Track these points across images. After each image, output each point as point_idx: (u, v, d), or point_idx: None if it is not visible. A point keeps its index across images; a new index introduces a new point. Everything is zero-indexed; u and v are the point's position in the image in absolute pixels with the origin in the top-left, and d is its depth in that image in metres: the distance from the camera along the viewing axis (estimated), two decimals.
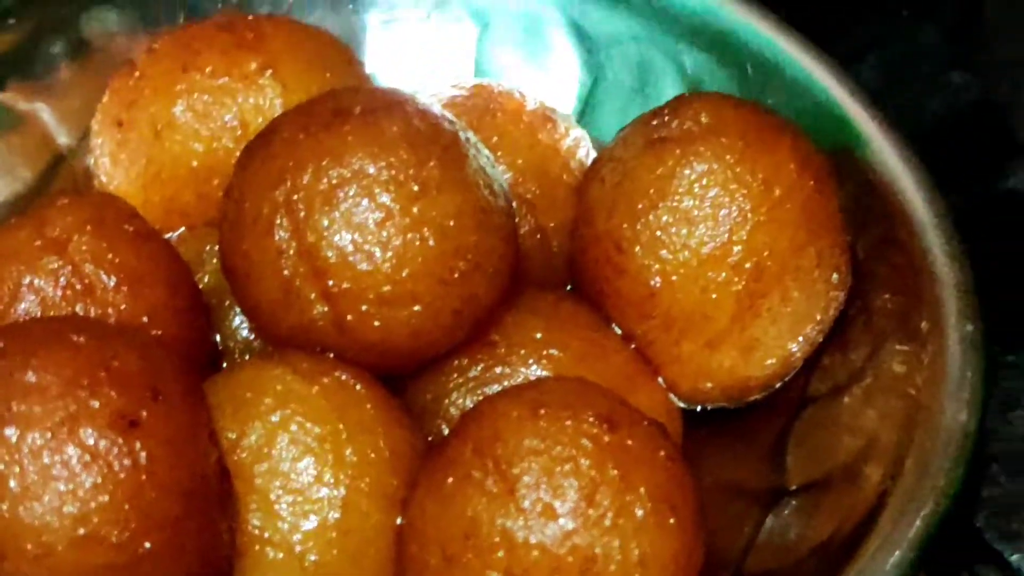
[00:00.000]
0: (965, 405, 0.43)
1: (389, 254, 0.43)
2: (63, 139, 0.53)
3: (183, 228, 0.49)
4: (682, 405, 0.49)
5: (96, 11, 0.53)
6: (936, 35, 0.62)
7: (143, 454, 0.37)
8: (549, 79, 0.55)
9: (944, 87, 0.60)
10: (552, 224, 0.50)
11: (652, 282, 0.47)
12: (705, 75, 0.53)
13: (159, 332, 0.44)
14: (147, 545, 0.37)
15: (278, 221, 0.43)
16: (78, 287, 0.44)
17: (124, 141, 0.49)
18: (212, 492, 0.40)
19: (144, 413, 0.38)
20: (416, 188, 0.43)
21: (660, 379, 0.48)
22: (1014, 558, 0.48)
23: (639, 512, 0.40)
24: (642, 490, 0.40)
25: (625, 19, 0.54)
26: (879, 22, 0.61)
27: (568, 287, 0.51)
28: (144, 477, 0.37)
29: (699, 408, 0.49)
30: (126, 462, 0.37)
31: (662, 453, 0.41)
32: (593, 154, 0.52)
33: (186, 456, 0.39)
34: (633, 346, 0.48)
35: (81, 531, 0.36)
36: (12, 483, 0.36)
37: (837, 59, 0.52)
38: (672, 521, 0.40)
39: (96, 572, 0.37)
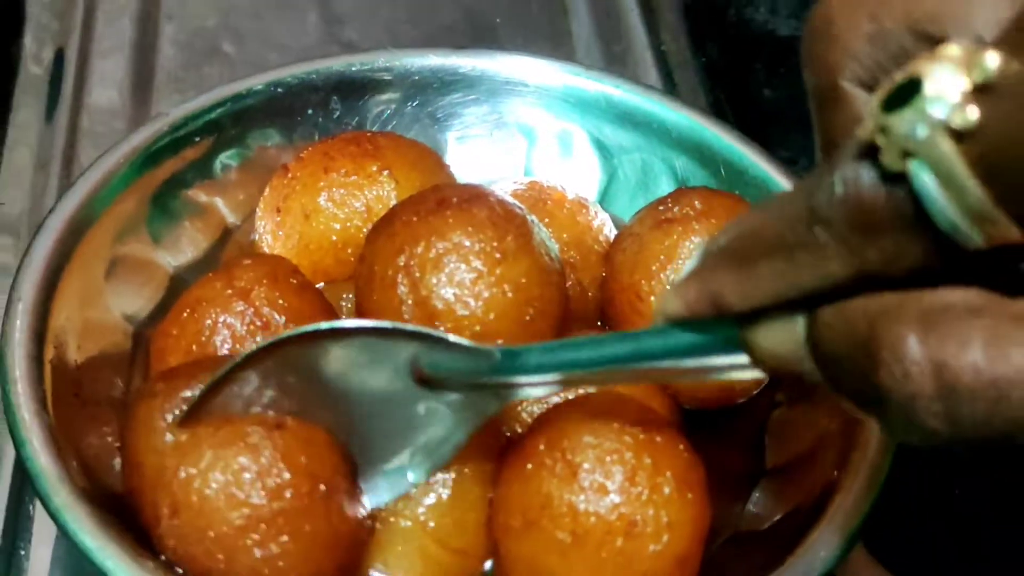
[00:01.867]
0: None
1: (480, 303, 0.43)
2: (231, 220, 0.52)
3: (323, 283, 0.49)
4: (687, 409, 0.48)
5: (258, 131, 0.52)
6: None
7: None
8: (578, 177, 0.54)
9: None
10: (587, 280, 0.50)
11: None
12: (690, 175, 0.53)
13: None
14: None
15: (400, 280, 0.43)
16: (258, 324, 0.43)
17: (282, 223, 0.49)
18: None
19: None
20: (499, 256, 0.43)
21: (669, 390, 0.47)
22: None
23: (666, 489, 0.40)
24: (668, 473, 0.40)
25: (632, 134, 0.54)
26: (808, 133, 0.61)
27: (599, 323, 0.50)
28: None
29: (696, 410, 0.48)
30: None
31: (681, 446, 0.41)
32: (614, 230, 0.52)
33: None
34: None
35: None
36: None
37: (782, 160, 0.52)
38: (690, 496, 0.40)
39: None
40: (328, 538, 0.38)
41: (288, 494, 0.38)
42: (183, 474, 0.37)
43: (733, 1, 0.69)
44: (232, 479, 0.37)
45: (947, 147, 0.23)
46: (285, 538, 0.37)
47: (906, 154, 0.24)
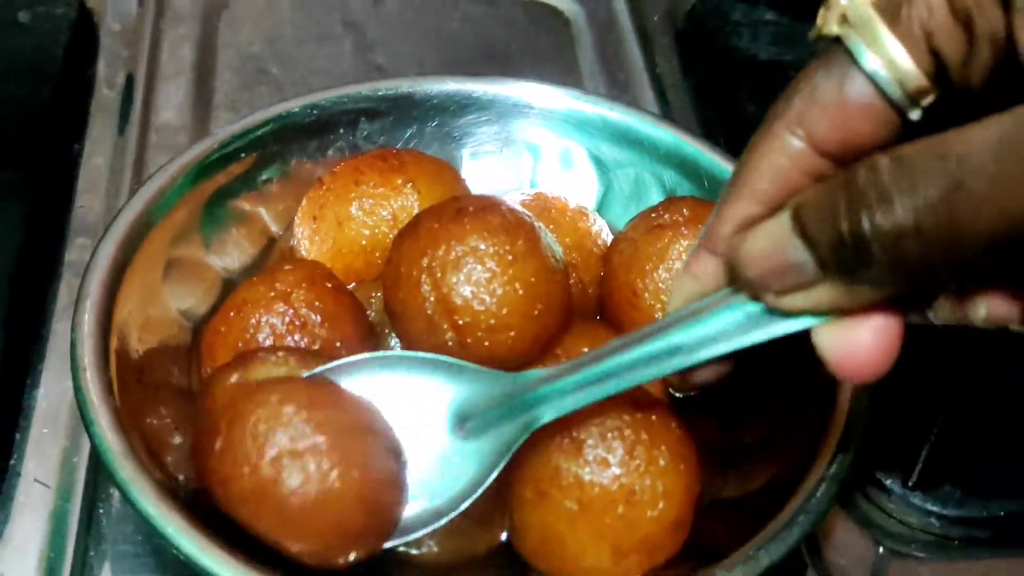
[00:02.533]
0: (862, 391, 0.42)
1: (494, 300, 0.42)
2: (274, 228, 0.52)
3: (355, 283, 0.48)
4: (675, 393, 0.47)
5: (296, 148, 0.52)
6: None
7: None
8: (579, 188, 0.54)
9: None
10: (588, 278, 0.49)
11: (656, 316, 0.46)
12: (678, 186, 0.52)
13: (348, 352, 0.43)
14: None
15: (423, 279, 0.42)
16: (297, 323, 0.43)
17: (318, 230, 0.49)
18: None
19: None
20: (510, 258, 0.42)
21: None
22: (888, 482, 0.47)
23: (662, 462, 0.39)
24: (663, 447, 0.40)
25: (626, 151, 0.54)
26: None
27: (598, 318, 0.49)
28: None
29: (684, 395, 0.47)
30: None
31: (673, 424, 0.41)
32: (610, 235, 0.51)
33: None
34: None
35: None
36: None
37: None
38: (682, 467, 0.40)
39: None
40: (360, 484, 0.36)
41: (323, 434, 0.36)
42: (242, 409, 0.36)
43: (719, 30, 0.69)
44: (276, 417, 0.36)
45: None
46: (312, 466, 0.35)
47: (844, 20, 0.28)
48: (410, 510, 0.38)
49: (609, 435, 0.39)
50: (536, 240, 0.44)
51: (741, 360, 0.46)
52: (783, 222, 0.29)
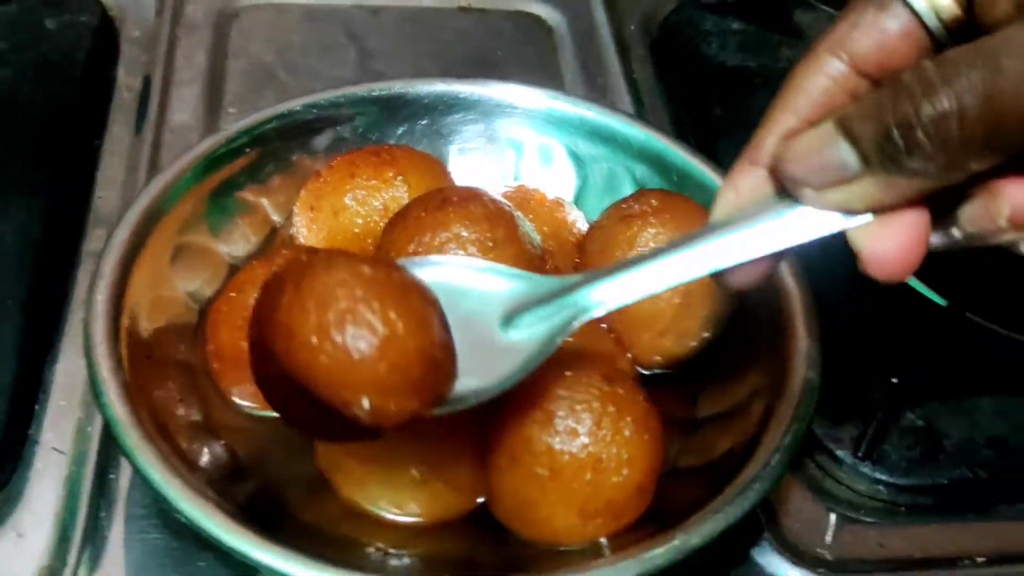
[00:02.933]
0: (812, 367, 0.42)
1: None
2: (276, 218, 0.51)
3: None
4: (641, 370, 0.47)
5: (296, 144, 0.52)
6: None
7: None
8: (557, 182, 0.54)
9: None
10: (563, 264, 0.49)
11: None
12: (648, 180, 0.52)
13: None
14: None
15: None
16: None
17: (315, 219, 0.49)
18: None
19: None
20: (490, 244, 0.43)
21: (628, 354, 0.47)
22: (839, 452, 0.47)
23: (627, 432, 0.39)
24: (628, 419, 0.39)
25: (600, 147, 0.53)
26: None
27: None
28: None
29: (650, 372, 0.48)
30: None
31: (639, 397, 0.41)
32: (584, 224, 0.51)
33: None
34: (613, 335, 0.47)
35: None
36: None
37: (727, 167, 0.51)
38: (646, 437, 0.40)
39: None
40: (422, 337, 0.34)
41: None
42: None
43: (691, 38, 0.69)
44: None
45: None
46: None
47: None
48: (459, 385, 0.36)
49: (578, 407, 0.39)
50: (515, 228, 0.44)
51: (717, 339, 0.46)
52: (828, 127, 0.30)
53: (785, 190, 0.32)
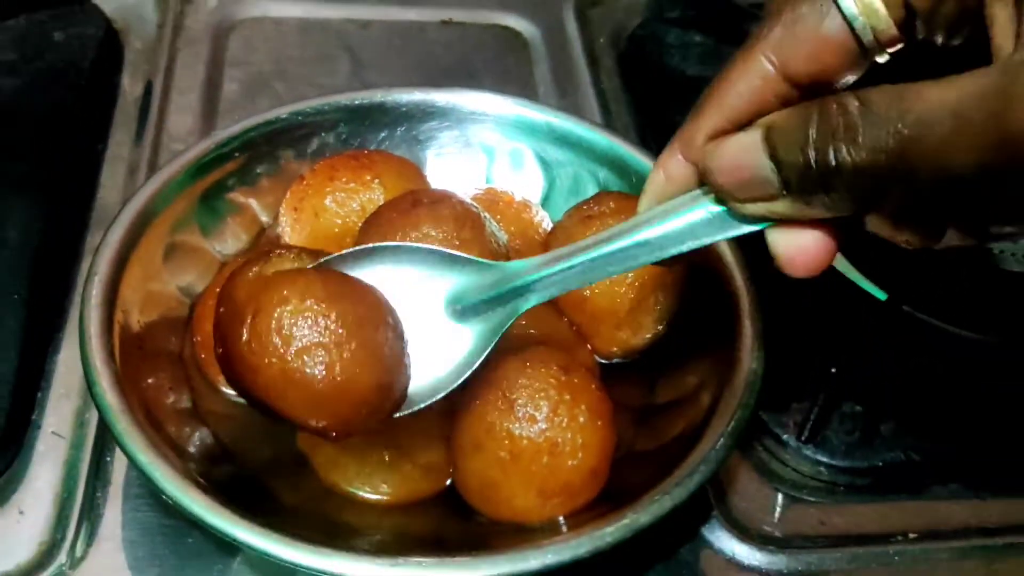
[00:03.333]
0: (755, 359, 0.42)
1: None
2: (264, 218, 0.51)
3: None
4: (600, 360, 0.47)
5: (283, 148, 0.52)
6: None
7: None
8: (526, 185, 0.53)
9: None
10: None
11: (586, 293, 0.45)
12: (611, 183, 0.51)
13: None
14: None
15: None
16: None
17: (298, 219, 0.48)
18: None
19: None
20: (457, 243, 0.42)
21: (588, 346, 0.46)
22: (784, 437, 0.46)
23: (581, 419, 0.39)
24: (583, 406, 0.39)
25: (566, 152, 0.53)
26: None
27: None
28: None
29: (609, 362, 0.47)
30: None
31: (593, 386, 0.40)
32: (549, 224, 0.51)
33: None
34: (574, 328, 0.46)
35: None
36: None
37: None
38: (599, 423, 0.40)
39: None
40: (376, 368, 0.35)
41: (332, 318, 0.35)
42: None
43: (655, 51, 0.68)
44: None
45: None
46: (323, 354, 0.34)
47: None
48: (413, 385, 0.37)
49: (537, 396, 0.39)
50: (481, 228, 0.43)
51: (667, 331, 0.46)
52: (755, 140, 0.29)
53: (706, 188, 0.32)
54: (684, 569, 0.43)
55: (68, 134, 0.57)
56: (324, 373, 0.34)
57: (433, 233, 0.42)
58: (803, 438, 0.46)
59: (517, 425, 0.38)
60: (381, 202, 0.47)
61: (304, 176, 0.49)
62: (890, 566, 0.44)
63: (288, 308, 0.34)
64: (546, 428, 0.38)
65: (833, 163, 0.26)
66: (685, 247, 0.32)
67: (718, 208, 0.31)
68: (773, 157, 0.28)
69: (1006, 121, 0.24)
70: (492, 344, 0.37)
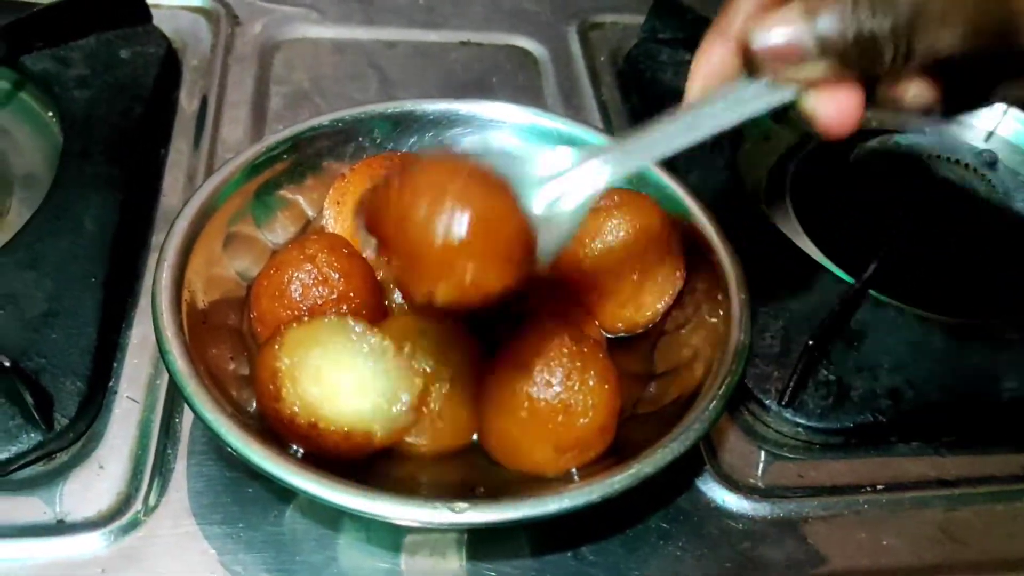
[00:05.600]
0: (743, 331, 0.42)
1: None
2: (310, 212, 0.51)
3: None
4: (606, 335, 0.47)
5: (326, 151, 0.52)
6: (724, 165, 0.60)
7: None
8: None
9: (725, 188, 0.59)
10: None
11: (594, 275, 0.46)
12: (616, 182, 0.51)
13: (359, 300, 0.43)
14: None
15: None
16: (320, 278, 0.43)
17: (340, 212, 0.49)
18: None
19: None
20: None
21: (596, 322, 0.47)
22: (767, 401, 0.47)
23: (591, 383, 0.40)
24: (592, 372, 0.40)
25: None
26: (696, 157, 0.60)
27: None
28: None
29: (614, 336, 0.48)
30: None
31: (601, 355, 0.41)
32: None
33: None
34: (583, 307, 0.47)
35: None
36: None
37: (676, 172, 0.51)
38: (606, 387, 0.40)
39: None
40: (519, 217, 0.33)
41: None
42: None
43: (650, 68, 0.69)
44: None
45: None
46: None
47: None
48: None
49: (552, 363, 0.39)
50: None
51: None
52: (796, 12, 0.30)
53: (748, 64, 0.32)
54: (681, 515, 0.44)
55: (135, 140, 0.57)
56: (470, 218, 0.31)
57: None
58: (783, 402, 0.47)
59: (535, 389, 0.39)
60: None
61: (345, 174, 0.49)
62: (860, 514, 0.45)
63: (443, 167, 0.33)
64: (560, 391, 0.39)
65: (867, 28, 0.29)
66: (735, 119, 0.33)
67: (759, 82, 0.32)
68: (812, 26, 0.30)
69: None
70: (578, 222, 0.35)
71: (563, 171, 0.35)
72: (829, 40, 0.30)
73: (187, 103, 0.64)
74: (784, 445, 0.47)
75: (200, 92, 0.65)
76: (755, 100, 0.33)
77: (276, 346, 0.38)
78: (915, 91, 0.33)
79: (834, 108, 0.32)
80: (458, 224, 0.31)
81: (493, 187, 0.33)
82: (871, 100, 0.33)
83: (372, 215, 0.34)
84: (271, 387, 0.38)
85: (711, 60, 0.34)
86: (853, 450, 0.47)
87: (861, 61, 0.30)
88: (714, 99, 0.34)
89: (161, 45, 0.65)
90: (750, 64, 0.32)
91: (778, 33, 0.31)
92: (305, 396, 0.37)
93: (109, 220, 0.51)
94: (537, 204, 0.34)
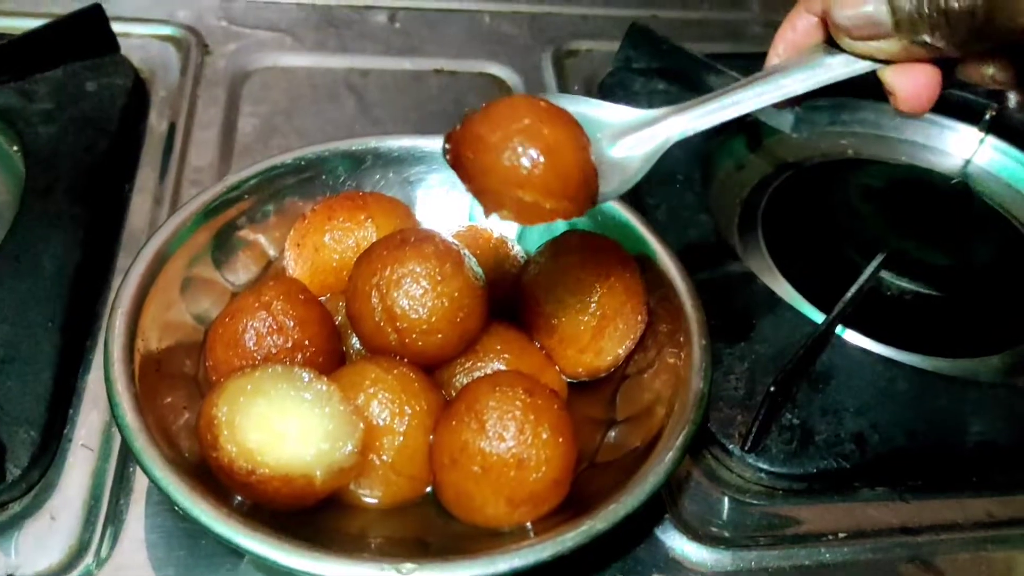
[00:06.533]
0: (703, 379, 0.42)
1: (426, 310, 0.42)
2: (271, 252, 0.51)
3: (327, 295, 0.48)
4: (567, 380, 0.47)
5: (288, 190, 0.52)
6: (694, 198, 0.60)
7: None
8: (503, 223, 0.52)
9: (694, 223, 0.59)
10: (500, 293, 0.48)
11: (554, 320, 0.46)
12: (578, 221, 0.50)
13: (315, 348, 0.43)
14: None
15: (373, 294, 0.42)
16: (275, 327, 0.42)
17: (301, 254, 0.49)
18: None
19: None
20: (439, 278, 0.42)
21: (556, 367, 0.47)
22: (730, 446, 0.47)
23: (544, 436, 0.39)
24: (546, 425, 0.39)
25: None
26: (669, 186, 0.59)
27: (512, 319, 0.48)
28: None
29: (575, 381, 0.47)
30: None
31: (556, 406, 0.41)
32: (523, 259, 0.51)
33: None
34: (543, 351, 0.47)
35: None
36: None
37: (650, 205, 0.51)
38: (560, 440, 0.40)
39: None
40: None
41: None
42: None
43: (623, 97, 0.68)
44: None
45: None
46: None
47: None
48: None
49: (505, 417, 0.39)
50: (461, 264, 0.43)
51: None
52: None
53: (829, 38, 0.35)
54: (639, 566, 0.43)
55: (99, 176, 0.57)
56: (540, 147, 0.34)
57: (418, 269, 0.42)
58: (746, 447, 0.46)
59: (487, 443, 0.39)
60: (374, 239, 0.47)
61: (306, 215, 0.49)
62: (822, 564, 0.44)
63: (517, 102, 0.36)
64: (513, 445, 0.39)
65: (944, 6, 0.30)
66: (808, 85, 0.35)
67: (837, 52, 0.35)
68: (891, 3, 0.31)
69: None
70: (647, 168, 0.37)
71: (640, 120, 0.38)
72: (906, 17, 0.31)
73: (154, 134, 0.64)
74: (747, 491, 0.47)
75: (168, 120, 0.65)
76: (834, 69, 0.35)
77: (215, 395, 0.38)
78: (993, 70, 0.34)
79: (911, 84, 0.33)
80: (523, 153, 0.34)
81: (562, 126, 0.35)
82: (949, 79, 0.34)
83: (455, 141, 0.37)
84: (208, 436, 0.37)
85: (795, 28, 0.37)
86: (817, 496, 0.47)
87: (937, 40, 0.31)
88: (794, 66, 0.36)
89: (129, 76, 0.64)
90: (831, 34, 0.34)
91: (857, 6, 0.32)
92: (244, 444, 0.37)
93: (69, 260, 0.51)
94: (611, 148, 0.37)
